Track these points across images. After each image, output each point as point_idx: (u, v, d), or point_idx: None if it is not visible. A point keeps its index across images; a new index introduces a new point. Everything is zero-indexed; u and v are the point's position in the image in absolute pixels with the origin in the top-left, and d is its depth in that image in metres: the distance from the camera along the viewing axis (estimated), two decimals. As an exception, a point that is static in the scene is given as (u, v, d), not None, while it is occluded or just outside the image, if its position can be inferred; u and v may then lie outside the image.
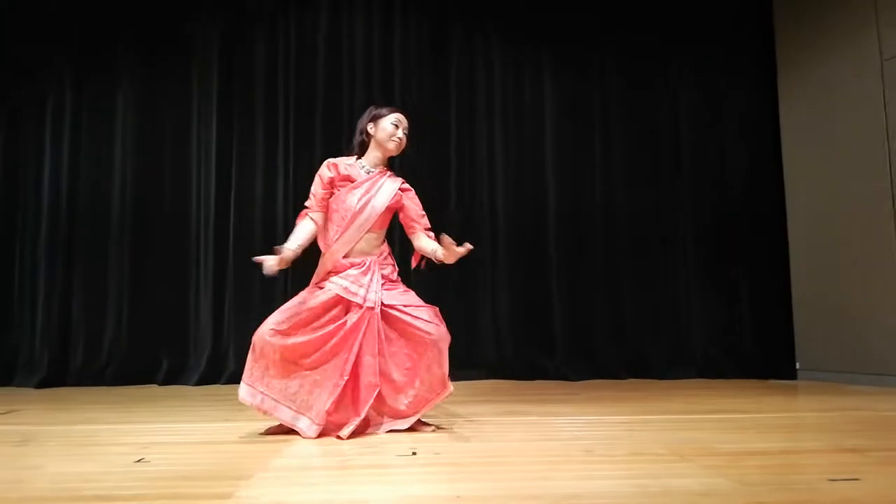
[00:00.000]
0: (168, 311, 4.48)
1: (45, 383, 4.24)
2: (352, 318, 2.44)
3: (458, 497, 1.54)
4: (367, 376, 2.40)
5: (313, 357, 2.43)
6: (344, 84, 4.67)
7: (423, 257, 2.69)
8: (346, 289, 2.46)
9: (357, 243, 2.55)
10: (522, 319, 4.62)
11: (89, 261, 4.50)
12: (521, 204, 4.74)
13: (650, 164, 4.84)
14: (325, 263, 2.57)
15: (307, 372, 2.42)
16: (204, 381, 4.30)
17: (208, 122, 4.63)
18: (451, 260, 2.49)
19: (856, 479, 1.67)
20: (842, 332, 4.19)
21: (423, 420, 2.54)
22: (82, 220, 4.54)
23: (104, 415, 3.05)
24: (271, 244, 4.67)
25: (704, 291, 4.73)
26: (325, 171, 2.62)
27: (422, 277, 4.52)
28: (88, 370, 4.36)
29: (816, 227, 4.43)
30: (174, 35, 4.69)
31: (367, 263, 2.52)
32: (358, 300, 2.44)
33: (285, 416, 2.38)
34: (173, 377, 4.36)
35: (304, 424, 2.36)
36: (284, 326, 2.40)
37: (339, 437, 2.32)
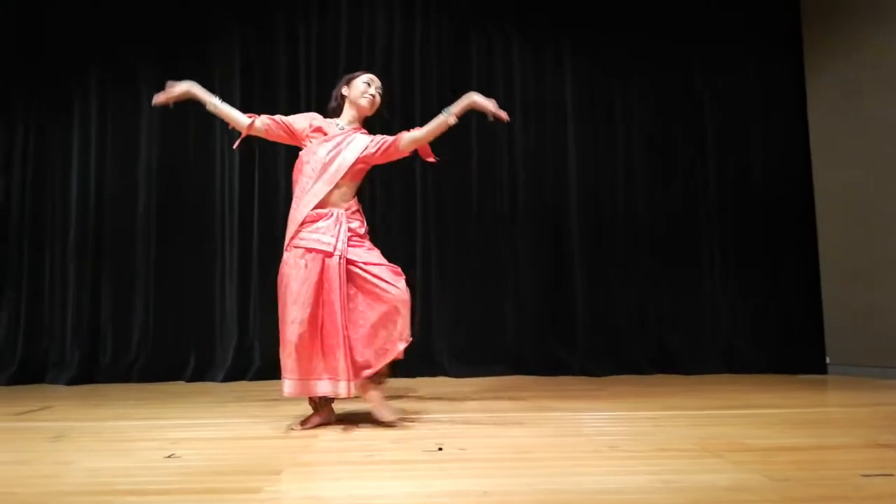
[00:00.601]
0: (194, 308, 4.55)
1: (75, 380, 4.33)
2: (328, 271, 2.48)
3: (486, 493, 1.54)
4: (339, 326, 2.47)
5: (326, 327, 2.47)
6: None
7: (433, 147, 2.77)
8: (318, 240, 2.51)
9: (328, 196, 2.58)
10: (544, 314, 4.60)
11: (117, 261, 4.59)
12: (542, 198, 4.72)
13: (673, 155, 4.79)
14: (295, 216, 2.60)
15: (328, 341, 2.47)
16: (230, 377, 4.36)
17: (231, 121, 4.67)
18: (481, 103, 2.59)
19: (889, 475, 1.64)
20: (872, 325, 4.12)
21: (383, 398, 2.57)
22: (109, 221, 4.62)
23: (134, 411, 3.10)
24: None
25: (730, 284, 4.67)
26: (302, 118, 2.75)
27: (442, 270, 4.56)
28: (117, 367, 4.44)
29: (846, 218, 4.36)
30: (197, 36, 4.74)
31: (336, 215, 2.57)
32: (329, 249, 2.49)
33: (324, 388, 2.43)
34: (200, 374, 4.42)
35: (342, 388, 2.42)
36: (308, 310, 2.43)
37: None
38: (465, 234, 4.64)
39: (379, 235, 4.64)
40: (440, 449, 2.06)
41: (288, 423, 2.58)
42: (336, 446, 2.18)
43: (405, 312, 2.50)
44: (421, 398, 3.36)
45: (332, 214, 2.56)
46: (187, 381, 4.37)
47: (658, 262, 4.69)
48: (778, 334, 4.58)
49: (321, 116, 2.76)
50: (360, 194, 2.74)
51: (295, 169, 2.68)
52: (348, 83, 2.73)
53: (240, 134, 2.76)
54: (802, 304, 4.58)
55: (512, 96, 4.77)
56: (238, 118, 2.73)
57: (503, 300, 4.61)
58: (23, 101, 4.68)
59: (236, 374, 4.38)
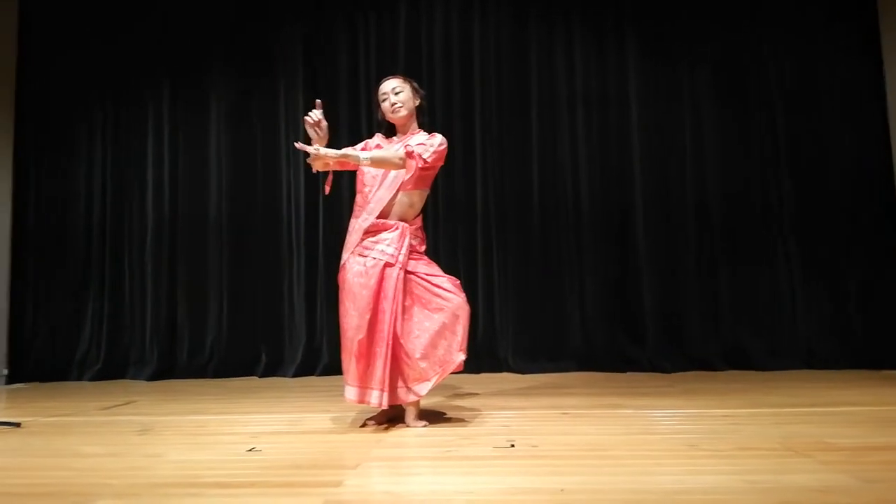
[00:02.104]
0: (265, 307, 4.68)
1: (155, 376, 4.52)
2: (387, 280, 2.50)
3: (563, 490, 1.54)
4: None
5: (375, 336, 2.48)
6: (423, 82, 4.70)
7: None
8: (383, 252, 2.54)
9: (391, 203, 2.60)
10: (611, 309, 4.52)
11: (191, 264, 4.76)
12: (607, 190, 4.62)
13: (744, 143, 4.59)
14: (360, 224, 2.63)
15: (374, 349, 2.48)
16: (301, 372, 4.47)
17: (296, 128, 4.78)
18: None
19: None
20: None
21: (413, 412, 2.54)
22: (183, 226, 4.80)
23: (212, 406, 3.22)
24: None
25: (808, 275, 4.46)
26: (377, 137, 2.80)
27: (506, 269, 4.55)
28: (193, 364, 4.62)
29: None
30: (260, 47, 4.86)
31: (401, 228, 2.59)
32: (392, 260, 2.52)
33: (374, 398, 2.44)
34: (272, 369, 4.55)
35: (374, 397, 2.42)
36: (368, 316, 2.45)
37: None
38: (528, 229, 4.60)
39: (442, 234, 4.70)
40: (512, 445, 2.06)
41: (358, 417, 2.62)
42: (407, 441, 2.21)
43: (465, 323, 2.51)
44: (488, 394, 3.36)
45: (397, 227, 2.58)
46: (260, 377, 4.50)
47: (731, 254, 4.52)
48: (859, 328, 4.35)
49: (378, 135, 2.82)
50: (425, 212, 2.75)
51: (357, 181, 2.73)
52: (378, 107, 2.79)
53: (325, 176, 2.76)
54: (886, 295, 4.34)
55: (573, 89, 4.69)
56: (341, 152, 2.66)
57: (568, 295, 4.54)
58: (101, 108, 4.91)
59: (306, 370, 4.49)
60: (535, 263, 4.57)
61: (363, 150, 2.70)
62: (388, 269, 2.52)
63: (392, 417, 2.56)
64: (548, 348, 4.44)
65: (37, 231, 4.80)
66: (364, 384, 2.46)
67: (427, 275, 2.57)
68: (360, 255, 2.57)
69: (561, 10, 4.75)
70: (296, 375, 4.45)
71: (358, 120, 4.75)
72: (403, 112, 2.70)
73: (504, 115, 4.70)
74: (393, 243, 2.55)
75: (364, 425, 2.50)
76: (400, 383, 2.48)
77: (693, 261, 4.52)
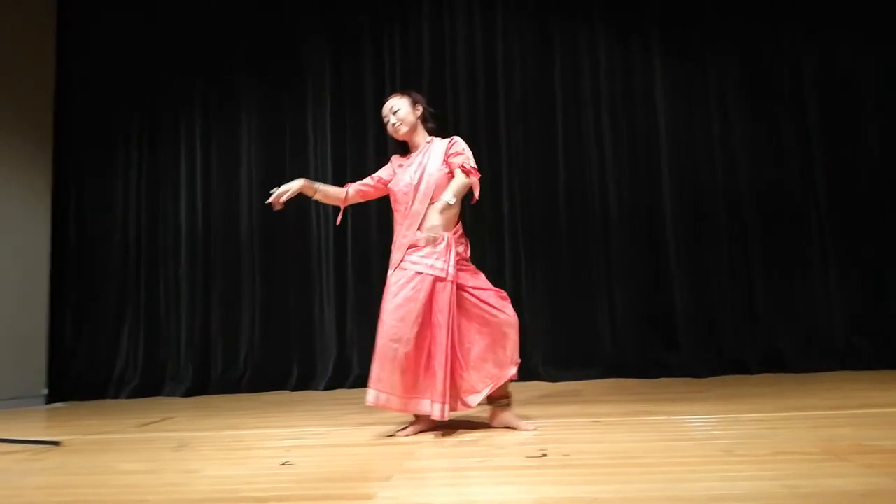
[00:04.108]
0: (296, 321, 4.74)
1: (190, 392, 4.60)
2: (439, 294, 2.53)
3: (596, 499, 1.52)
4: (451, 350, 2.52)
5: (432, 349, 2.52)
6: (447, 89, 4.74)
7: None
8: (432, 266, 2.56)
9: (427, 215, 2.61)
10: (642, 314, 4.47)
11: (223, 280, 4.86)
12: (635, 192, 4.59)
13: (777, 144, 4.52)
14: (401, 241, 2.67)
15: (431, 361, 2.52)
16: (331, 385, 4.51)
17: (324, 140, 4.86)
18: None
19: None
20: None
21: (516, 413, 2.60)
22: (216, 242, 4.90)
23: (247, 420, 3.26)
24: (387, 253, 4.84)
25: (844, 274, 4.36)
26: (387, 166, 2.87)
27: (535, 274, 4.53)
28: (228, 379, 4.70)
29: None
30: (288, 59, 4.97)
31: (446, 240, 2.60)
32: (443, 275, 2.54)
33: (425, 407, 2.48)
34: (304, 383, 4.60)
35: (436, 410, 2.45)
36: (416, 329, 2.49)
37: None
38: (556, 235, 4.58)
39: (469, 241, 4.70)
40: (544, 455, 2.04)
41: (389, 429, 2.64)
42: (440, 452, 2.21)
43: (514, 336, 2.55)
44: (519, 403, 3.34)
45: (443, 239, 2.59)
46: (292, 391, 4.54)
47: (763, 256, 4.44)
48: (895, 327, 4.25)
49: (396, 156, 2.87)
50: (463, 217, 2.77)
51: (392, 204, 2.77)
52: (385, 130, 2.85)
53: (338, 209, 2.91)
54: (925, 295, 4.23)
55: (598, 92, 4.68)
56: (335, 194, 2.87)
57: (598, 301, 4.51)
58: (136, 127, 5.04)
59: (336, 383, 4.53)
60: (564, 270, 4.54)
61: (389, 174, 2.83)
62: (439, 284, 2.54)
63: (424, 429, 2.57)
64: (579, 355, 4.41)
65: (75, 251, 4.94)
66: (411, 394, 2.49)
67: (475, 288, 2.59)
68: (405, 269, 2.60)
69: (583, 11, 4.75)
70: (327, 388, 4.50)
71: (384, 130, 4.78)
72: (404, 129, 2.76)
73: (529, 121, 4.70)
74: (441, 256, 2.57)
75: (394, 435, 2.53)
76: (453, 394, 2.51)
77: (725, 262, 4.46)
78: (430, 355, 2.51)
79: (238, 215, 4.90)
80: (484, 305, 2.57)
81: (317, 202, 4.80)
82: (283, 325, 4.75)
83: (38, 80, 4.90)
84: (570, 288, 4.51)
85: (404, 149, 2.84)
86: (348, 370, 4.58)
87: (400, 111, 2.75)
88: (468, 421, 2.79)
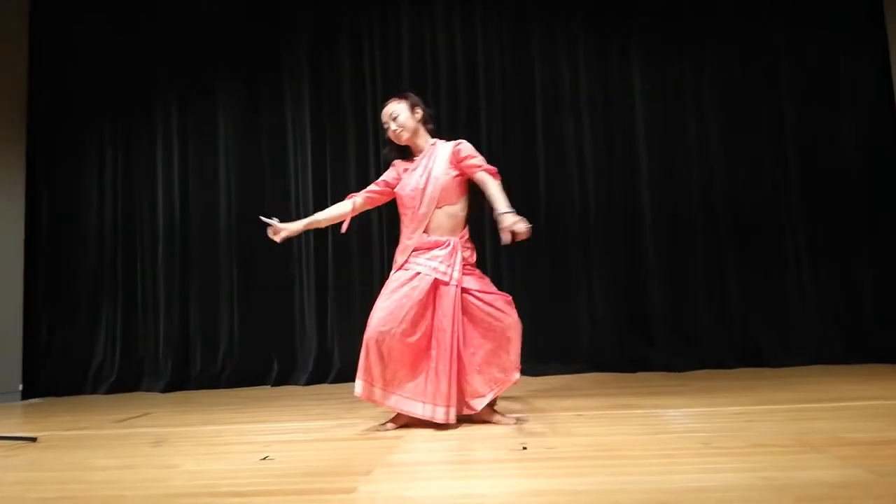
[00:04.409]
0: (276, 316, 4.70)
1: (169, 388, 4.55)
2: (442, 298, 2.54)
3: (578, 492, 1.53)
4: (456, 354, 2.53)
5: (431, 350, 2.54)
6: (429, 90, 4.72)
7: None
8: (436, 269, 2.57)
9: (433, 219, 2.63)
10: (622, 309, 4.50)
11: (202, 275, 4.80)
12: (614, 191, 4.61)
13: (752, 142, 4.58)
14: (406, 244, 2.67)
15: (426, 363, 2.54)
16: (313, 380, 4.49)
17: (302, 134, 4.82)
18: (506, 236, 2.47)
19: None
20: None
21: (500, 412, 2.62)
22: (194, 237, 4.84)
23: (226, 415, 3.24)
24: (367, 246, 4.82)
25: (818, 271, 4.44)
26: (390, 169, 2.82)
27: (514, 271, 4.54)
28: (207, 374, 4.65)
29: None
30: (267, 58, 4.91)
31: (452, 244, 2.61)
32: (447, 279, 2.55)
33: (417, 409, 2.48)
34: (284, 378, 4.56)
35: (437, 413, 2.46)
36: (405, 326, 2.49)
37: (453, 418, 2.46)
38: (536, 232, 4.54)
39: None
40: (525, 448, 2.05)
41: (372, 423, 2.63)
42: (423, 446, 2.21)
43: (517, 341, 2.55)
44: (500, 397, 3.35)
45: (449, 244, 2.61)
46: (272, 386, 4.51)
47: (740, 251, 4.50)
48: (872, 322, 4.32)
49: (399, 161, 2.82)
50: (469, 222, 2.78)
51: (399, 207, 2.76)
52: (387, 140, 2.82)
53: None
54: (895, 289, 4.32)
55: (578, 91, 4.69)
56: (341, 211, 2.80)
57: (578, 296, 4.53)
58: (110, 121, 4.95)
59: (317, 377, 4.50)
60: (544, 266, 4.56)
61: (394, 178, 2.78)
62: (442, 287, 2.55)
63: (407, 423, 2.57)
64: (559, 350, 4.44)
65: (49, 246, 4.85)
66: (398, 391, 2.50)
67: (480, 292, 2.59)
68: (407, 269, 2.61)
69: (563, 12, 4.76)
70: (308, 383, 4.47)
71: (365, 129, 4.77)
72: (406, 135, 2.74)
73: (509, 120, 4.71)
74: (445, 260, 2.58)
75: (381, 428, 2.53)
76: (459, 398, 2.52)
77: (702, 258, 4.51)
78: (432, 358, 2.51)
79: (216, 210, 4.84)
80: (489, 309, 2.56)
81: (297, 195, 4.83)
82: (264, 320, 4.71)
83: (11, 78, 4.80)
84: (550, 285, 4.52)
85: (406, 153, 2.81)
86: (330, 365, 4.56)
87: (400, 117, 2.72)
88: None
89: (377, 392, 2.50)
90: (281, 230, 2.71)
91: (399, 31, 4.83)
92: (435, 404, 2.47)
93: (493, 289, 2.65)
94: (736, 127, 4.60)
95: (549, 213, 4.60)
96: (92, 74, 4.96)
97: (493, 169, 2.66)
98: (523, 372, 4.28)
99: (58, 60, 4.96)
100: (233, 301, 4.75)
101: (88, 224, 4.90)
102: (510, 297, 2.64)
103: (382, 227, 4.64)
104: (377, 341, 2.48)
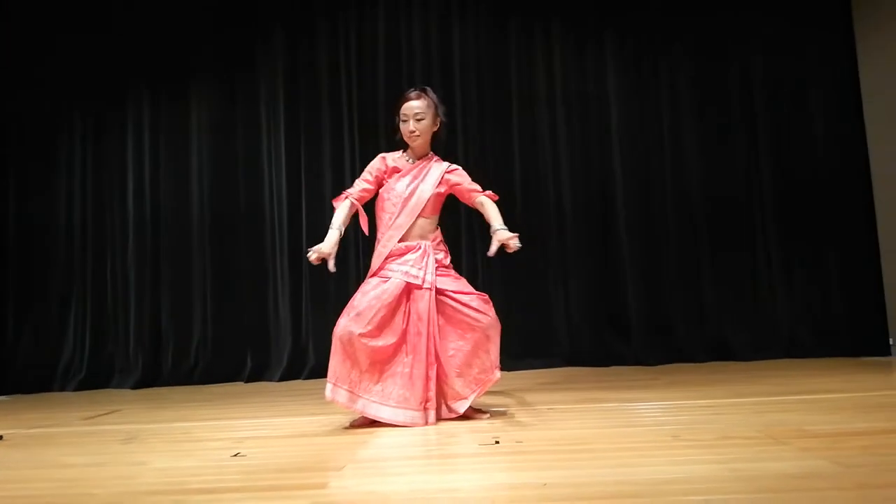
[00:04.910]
0: (249, 312, 4.66)
1: (140, 384, 4.48)
2: (416, 303, 2.54)
3: (546, 485, 1.54)
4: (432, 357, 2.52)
5: (400, 353, 2.53)
6: (404, 83, 4.69)
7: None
8: (407, 273, 2.56)
9: (411, 228, 2.65)
10: (596, 306, 4.55)
11: (174, 269, 4.73)
12: (589, 189, 4.65)
13: (724, 139, 4.65)
14: (381, 250, 2.66)
15: (398, 368, 2.52)
16: (287, 376, 4.46)
17: (277, 129, 4.78)
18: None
19: (969, 459, 1.58)
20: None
21: (475, 408, 2.61)
22: (165, 231, 4.77)
23: (198, 412, 3.20)
24: (342, 242, 4.78)
25: (787, 268, 4.53)
26: (377, 162, 2.76)
27: (490, 266, 4.55)
28: (179, 371, 4.59)
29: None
30: (241, 51, 4.84)
31: (423, 247, 2.62)
32: (419, 282, 2.54)
33: (385, 413, 2.46)
34: (257, 374, 4.53)
35: (408, 417, 2.44)
36: (370, 328, 2.47)
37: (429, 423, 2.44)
38: (511, 229, 4.59)
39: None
40: (497, 442, 2.07)
41: (344, 419, 2.62)
42: (394, 442, 2.21)
43: (496, 340, 2.55)
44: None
45: (419, 247, 2.61)
46: (245, 382, 4.48)
47: (711, 248, 4.57)
48: (838, 317, 4.42)
49: (389, 154, 2.78)
50: (441, 224, 2.80)
51: (377, 206, 2.74)
52: (397, 115, 2.73)
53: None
54: (863, 286, 4.41)
55: (553, 90, 4.71)
56: (348, 212, 2.70)
57: (553, 292, 4.57)
58: (80, 114, 4.86)
59: (291, 373, 4.48)
60: (520, 262, 4.55)
61: (380, 171, 2.73)
62: (416, 292, 2.54)
63: (370, 424, 2.56)
64: (534, 346, 4.47)
65: (16, 241, 4.75)
66: (366, 395, 2.47)
67: (455, 293, 2.58)
68: (381, 276, 2.59)
69: (540, 10, 4.77)
70: (282, 379, 4.44)
71: (340, 124, 4.74)
72: (420, 141, 2.72)
73: (485, 118, 4.72)
74: (417, 264, 2.57)
75: (350, 427, 2.51)
76: (439, 401, 2.53)
77: (675, 255, 4.57)
78: (407, 364, 2.50)
79: (188, 204, 4.77)
80: (466, 310, 2.55)
81: (271, 189, 4.78)
82: (237, 316, 4.66)
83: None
84: (525, 281, 4.55)
85: (402, 145, 2.78)
86: (304, 361, 4.54)
87: (425, 120, 2.68)
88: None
89: (342, 394, 2.45)
90: (326, 254, 2.54)
91: (375, 28, 4.80)
92: (409, 408, 2.45)
93: (470, 288, 2.64)
94: (710, 127, 4.67)
95: (524, 210, 4.63)
96: (63, 68, 4.85)
97: (494, 195, 2.75)
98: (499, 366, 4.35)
99: (28, 53, 4.85)
100: (205, 297, 4.69)
101: (57, 220, 4.79)
102: (487, 296, 2.63)
103: (357, 222, 4.61)
104: (342, 342, 2.45)
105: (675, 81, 4.71)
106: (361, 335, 2.44)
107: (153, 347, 4.64)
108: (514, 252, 2.54)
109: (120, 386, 4.54)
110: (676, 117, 4.69)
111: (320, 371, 4.46)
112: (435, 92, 4.55)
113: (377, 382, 2.49)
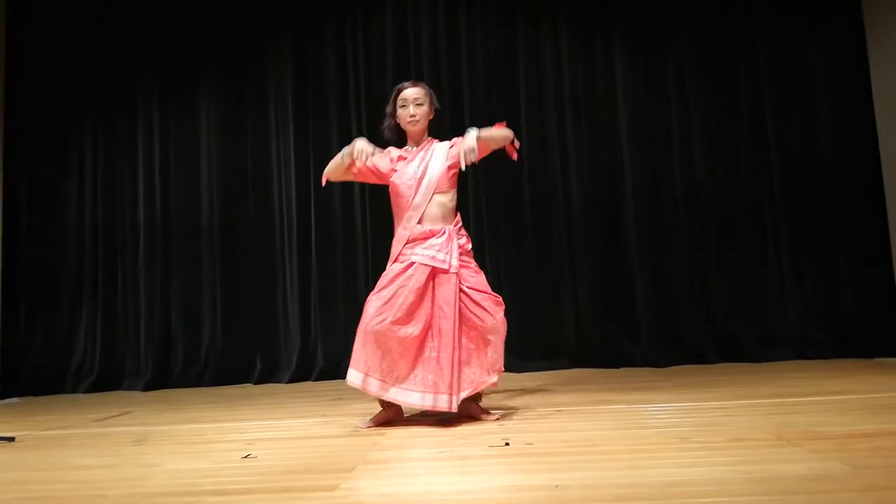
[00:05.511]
0: (259, 313, 4.68)
1: (150, 386, 4.51)
2: (441, 287, 2.55)
3: (557, 486, 1.54)
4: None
5: (428, 338, 2.53)
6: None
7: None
8: (433, 258, 2.57)
9: (429, 206, 2.66)
10: (605, 306, 4.53)
11: (184, 271, 4.75)
12: (597, 188, 4.63)
13: (734, 137, 4.62)
14: (402, 234, 2.68)
15: (427, 353, 2.52)
16: (296, 378, 4.46)
17: (286, 132, 4.79)
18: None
19: (983, 461, 1.57)
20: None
21: (484, 408, 2.62)
22: (175, 233, 4.79)
23: (208, 414, 3.22)
24: (351, 243, 4.82)
25: (798, 267, 4.49)
26: (381, 154, 2.79)
27: (499, 268, 4.55)
28: (189, 372, 4.61)
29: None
30: (249, 52, 4.87)
31: (448, 232, 2.63)
32: (445, 266, 2.56)
33: (417, 400, 2.48)
34: (267, 376, 4.54)
35: (438, 402, 2.45)
36: (400, 315, 2.49)
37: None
38: (520, 229, 4.61)
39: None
40: (507, 444, 2.07)
41: (355, 420, 2.63)
42: (404, 443, 2.22)
43: (497, 344, 2.56)
44: (483, 394, 3.37)
45: (444, 232, 2.63)
46: (255, 384, 4.49)
47: (721, 247, 4.54)
48: (850, 318, 4.38)
49: (393, 148, 2.83)
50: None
51: (392, 196, 2.76)
52: (394, 111, 2.79)
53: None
54: (875, 285, 4.37)
55: (561, 88, 4.70)
56: (340, 175, 2.83)
57: (561, 293, 4.55)
58: (91, 118, 4.89)
59: (301, 375, 4.49)
60: (528, 262, 4.58)
61: (386, 167, 2.77)
62: (442, 276, 2.55)
63: (388, 421, 2.57)
64: (542, 347, 4.46)
65: (28, 243, 4.78)
66: (393, 382, 2.48)
67: (471, 289, 2.59)
68: (402, 261, 2.61)
69: (547, 10, 4.76)
70: (291, 381, 4.45)
71: (348, 125, 4.75)
72: (420, 126, 2.76)
73: (493, 117, 4.69)
74: (443, 248, 2.58)
75: (370, 425, 2.53)
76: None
77: (684, 254, 4.54)
78: (434, 348, 2.50)
79: (198, 207, 4.79)
80: (474, 307, 2.56)
81: (280, 192, 4.80)
82: (246, 318, 4.68)
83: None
84: (533, 281, 4.54)
85: (400, 139, 2.83)
86: (313, 363, 4.55)
87: (423, 107, 2.75)
88: (432, 412, 2.80)
89: (374, 383, 2.48)
90: (370, 152, 2.68)
91: (383, 25, 4.81)
92: (437, 392, 2.45)
93: (486, 287, 2.64)
94: (719, 126, 4.63)
95: (532, 209, 4.61)
96: (72, 70, 4.89)
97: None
98: (508, 368, 4.34)
99: (37, 56, 4.89)
100: (215, 298, 4.71)
101: (69, 222, 4.82)
102: (501, 299, 2.64)
103: (366, 224, 4.63)
104: (374, 332, 2.47)
105: (683, 80, 4.68)
106: (393, 324, 2.47)
107: (163, 349, 4.66)
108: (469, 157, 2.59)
109: (131, 388, 4.57)
110: (685, 117, 4.66)
111: (329, 372, 4.50)
112: (444, 92, 4.60)
113: (411, 370, 2.50)
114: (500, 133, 2.74)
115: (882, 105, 4.44)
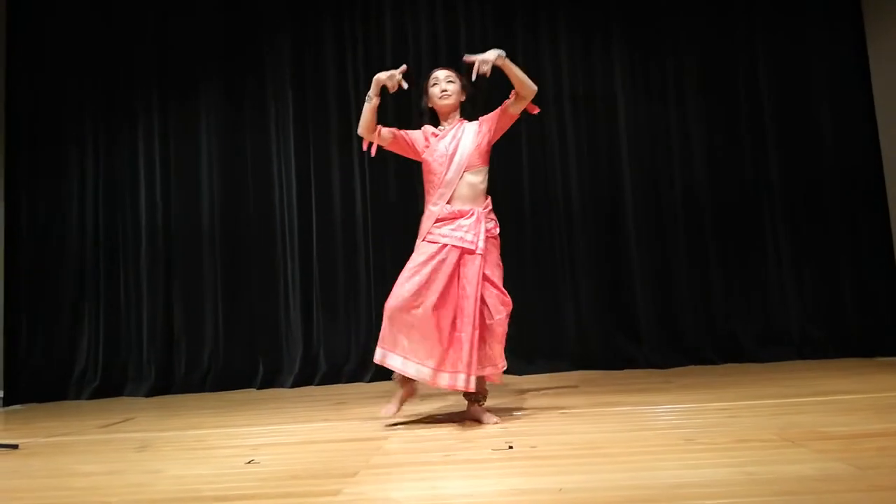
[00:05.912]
0: (261, 318, 4.67)
1: (153, 392, 4.51)
2: (466, 266, 2.58)
3: (561, 489, 1.54)
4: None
5: (457, 320, 2.55)
6: (410, 84, 4.70)
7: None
8: (462, 238, 2.61)
9: (458, 186, 2.69)
10: (606, 307, 4.52)
11: (186, 276, 4.75)
12: (597, 188, 4.63)
13: (734, 135, 4.61)
14: (432, 210, 2.70)
15: (456, 333, 2.54)
16: (299, 382, 4.46)
17: (286, 133, 4.79)
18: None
19: None
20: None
21: (487, 408, 2.65)
22: (177, 238, 4.79)
23: (211, 419, 3.22)
24: (352, 247, 4.81)
25: (799, 268, 4.49)
26: (418, 133, 2.86)
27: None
28: (191, 378, 4.60)
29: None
30: (249, 56, 4.87)
31: (476, 214, 2.66)
32: (472, 247, 2.59)
33: (443, 381, 2.50)
34: (270, 381, 4.53)
35: (458, 381, 2.47)
36: (433, 299, 2.52)
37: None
38: (519, 230, 4.60)
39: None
40: (511, 447, 2.06)
41: (357, 425, 2.63)
42: (407, 447, 2.22)
43: (491, 342, 2.57)
44: (485, 397, 3.36)
45: (473, 213, 2.66)
46: (258, 389, 4.49)
47: (722, 248, 4.53)
48: (852, 317, 4.38)
49: (429, 126, 2.88)
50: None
51: (424, 173, 2.81)
52: (426, 93, 2.87)
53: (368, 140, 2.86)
54: (877, 284, 4.36)
55: (560, 88, 4.70)
56: (372, 122, 2.81)
57: (562, 294, 4.54)
58: (91, 121, 4.90)
59: (303, 380, 4.48)
60: (528, 264, 4.57)
61: (420, 142, 2.84)
62: (468, 256, 2.59)
63: (405, 398, 2.66)
64: (544, 349, 4.45)
65: (30, 250, 4.77)
66: (418, 359, 2.52)
67: (485, 280, 2.60)
68: (432, 241, 2.64)
69: (547, 10, 4.77)
70: (294, 386, 4.44)
71: (349, 126, 4.75)
72: (450, 101, 2.82)
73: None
74: (471, 230, 2.62)
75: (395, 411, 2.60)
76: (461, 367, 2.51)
77: (685, 255, 4.54)
78: (455, 328, 2.53)
79: (199, 212, 4.79)
80: (484, 302, 2.58)
81: (281, 195, 4.80)
82: (248, 323, 4.68)
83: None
84: (535, 283, 4.53)
85: (433, 119, 2.88)
86: (316, 367, 4.54)
87: (454, 84, 2.83)
88: (435, 415, 2.80)
89: (398, 360, 2.52)
90: (397, 77, 2.75)
91: (382, 26, 4.81)
92: (456, 371, 2.48)
93: (499, 284, 2.65)
94: (719, 127, 4.63)
95: (532, 210, 4.61)
96: (72, 75, 4.90)
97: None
98: (509, 371, 4.33)
99: (36, 60, 4.90)
100: (217, 303, 4.71)
101: (70, 227, 4.82)
102: (509, 300, 2.64)
103: (368, 228, 4.63)
104: (405, 310, 2.51)
105: (682, 80, 4.68)
106: (427, 306, 2.51)
107: (166, 355, 4.66)
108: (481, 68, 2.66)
109: (133, 394, 4.57)
110: (685, 117, 4.65)
111: (332, 377, 4.50)
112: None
113: (439, 349, 2.51)
114: (525, 76, 2.78)
115: (882, 105, 4.44)
